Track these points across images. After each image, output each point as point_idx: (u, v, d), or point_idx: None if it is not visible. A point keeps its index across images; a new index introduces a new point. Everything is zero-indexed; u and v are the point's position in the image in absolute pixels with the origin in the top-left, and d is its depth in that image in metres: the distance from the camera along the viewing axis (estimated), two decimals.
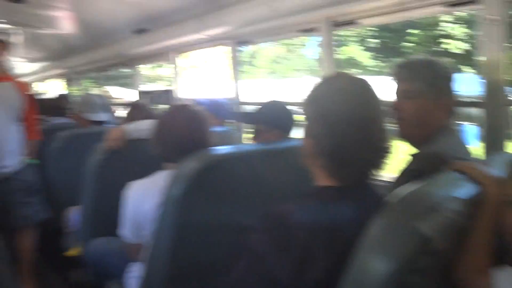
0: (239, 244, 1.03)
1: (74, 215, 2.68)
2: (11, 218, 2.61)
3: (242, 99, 3.09)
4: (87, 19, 3.88)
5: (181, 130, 1.59)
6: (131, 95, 5.01)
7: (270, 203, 1.03)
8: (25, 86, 2.73)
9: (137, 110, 2.71)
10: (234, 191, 1.44)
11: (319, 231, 0.92)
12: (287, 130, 1.96)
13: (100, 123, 3.00)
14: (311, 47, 17.43)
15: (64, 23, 4.12)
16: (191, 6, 3.05)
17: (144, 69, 4.69)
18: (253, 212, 1.45)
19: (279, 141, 1.72)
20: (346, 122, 0.93)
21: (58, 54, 5.49)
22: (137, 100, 3.02)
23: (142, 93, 4.43)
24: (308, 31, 2.51)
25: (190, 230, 1.38)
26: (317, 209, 0.97)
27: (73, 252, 2.32)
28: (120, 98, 7.32)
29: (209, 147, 1.56)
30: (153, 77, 15.44)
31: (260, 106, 2.01)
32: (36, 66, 6.64)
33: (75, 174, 2.27)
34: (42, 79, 7.79)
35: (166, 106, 3.74)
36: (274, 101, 2.04)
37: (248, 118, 2.12)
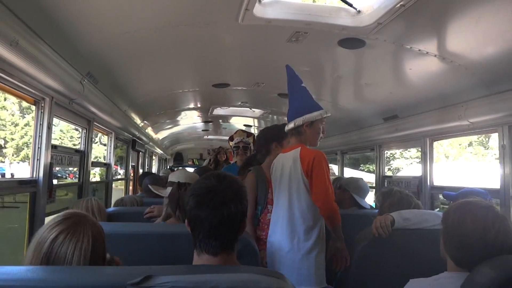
0: None
1: None
2: None
3: None
4: (341, 106, 4.29)
5: (470, 230, 1.44)
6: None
7: None
8: None
9: (390, 197, 2.67)
10: None
11: None
12: None
13: (361, 207, 3.13)
14: None
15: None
16: (453, 94, 2.97)
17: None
18: None
19: None
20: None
21: None
22: (391, 187, 3.04)
23: (385, 177, 4.44)
24: None
25: None
26: None
27: None
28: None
29: (510, 253, 1.37)
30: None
31: None
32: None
33: None
34: None
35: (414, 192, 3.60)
36: None
37: None
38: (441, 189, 3.33)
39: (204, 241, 1.30)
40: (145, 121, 5.57)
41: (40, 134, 2.31)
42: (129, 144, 5.38)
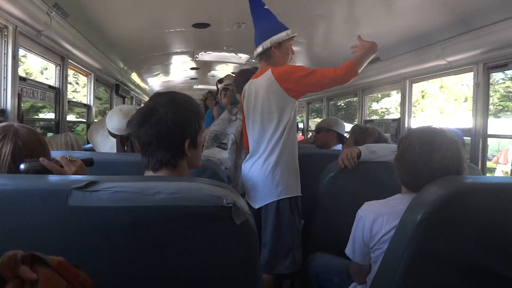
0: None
1: None
2: None
3: (490, 132, 2.69)
4: (328, 48, 4.21)
5: (418, 154, 1.47)
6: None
7: None
8: None
9: (359, 134, 2.70)
10: (479, 225, 1.24)
11: None
12: None
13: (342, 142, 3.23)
14: None
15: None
16: (432, 32, 2.91)
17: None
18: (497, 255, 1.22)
19: None
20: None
21: None
22: (357, 124, 3.16)
23: (367, 122, 4.46)
24: None
25: (423, 259, 1.26)
26: None
27: None
28: None
29: (457, 174, 1.41)
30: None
31: None
32: None
33: (306, 190, 2.43)
34: None
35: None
36: None
37: None
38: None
39: (144, 158, 1.35)
40: (128, 65, 5.45)
41: (5, 64, 2.26)
42: (112, 89, 5.31)
